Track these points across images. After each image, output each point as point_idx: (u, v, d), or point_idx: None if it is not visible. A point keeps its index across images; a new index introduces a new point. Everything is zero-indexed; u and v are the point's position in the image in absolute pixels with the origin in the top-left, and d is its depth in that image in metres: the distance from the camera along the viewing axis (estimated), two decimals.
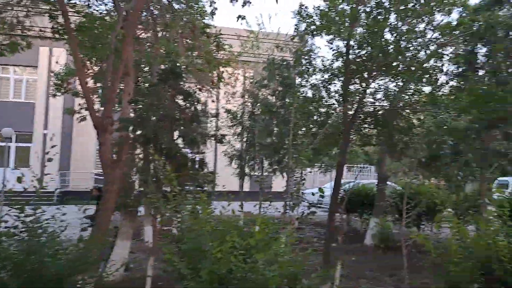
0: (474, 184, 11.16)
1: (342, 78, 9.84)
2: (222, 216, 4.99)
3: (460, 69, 11.01)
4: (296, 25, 9.70)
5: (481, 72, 11.20)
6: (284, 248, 4.43)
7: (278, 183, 13.87)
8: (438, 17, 9.64)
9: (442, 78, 10.53)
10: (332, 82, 10.16)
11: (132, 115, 7.97)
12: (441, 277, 6.01)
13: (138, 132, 7.35)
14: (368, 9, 9.34)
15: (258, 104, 11.70)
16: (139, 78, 9.45)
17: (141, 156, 7.51)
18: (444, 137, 8.96)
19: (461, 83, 10.70)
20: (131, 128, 7.23)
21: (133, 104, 7.84)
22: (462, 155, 9.10)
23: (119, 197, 6.73)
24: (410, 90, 10.26)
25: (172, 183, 4.62)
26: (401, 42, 9.54)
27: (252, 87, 12.74)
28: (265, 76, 11.47)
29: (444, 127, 9.07)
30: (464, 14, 10.37)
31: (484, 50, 11.38)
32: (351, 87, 9.95)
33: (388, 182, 12.25)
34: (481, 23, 10.53)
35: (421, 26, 9.77)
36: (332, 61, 9.96)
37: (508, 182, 15.13)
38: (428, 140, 8.71)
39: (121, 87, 8.02)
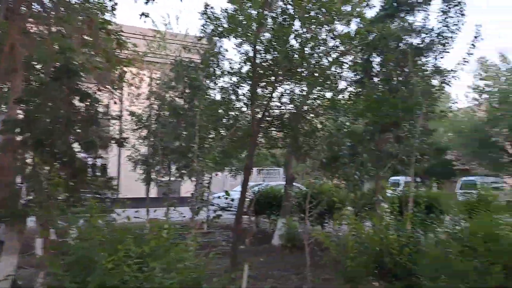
0: (371, 183, 12.01)
1: (250, 82, 9.95)
2: (121, 223, 4.69)
3: (358, 76, 11.76)
4: (203, 26, 9.60)
5: (376, 80, 12.08)
6: (185, 253, 4.27)
7: (188, 188, 13.64)
8: (339, 27, 10.18)
9: (342, 84, 11.16)
10: (241, 85, 10.22)
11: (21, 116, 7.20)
12: (341, 273, 6.31)
13: (28, 135, 6.65)
14: (274, 15, 9.56)
15: (165, 107, 11.36)
16: (30, 76, 8.58)
17: (30, 160, 6.79)
18: (343, 140, 9.50)
19: (358, 89, 11.43)
20: (18, 130, 6.51)
21: (22, 104, 7.09)
22: (359, 156, 9.73)
23: (3, 206, 6.00)
24: (313, 95, 10.71)
25: (60, 190, 4.21)
26: (305, 49, 9.90)
27: (159, 89, 12.34)
28: (173, 78, 11.18)
29: (344, 130, 9.62)
30: (361, 26, 11.08)
31: (378, 59, 12.30)
32: (259, 90, 10.11)
33: (294, 183, 12.69)
34: (376, 34, 11.37)
35: (324, 34, 10.22)
36: (240, 64, 10.03)
37: (399, 181, 16.58)
38: (329, 142, 9.17)
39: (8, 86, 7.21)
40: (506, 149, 25.27)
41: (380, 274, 6.03)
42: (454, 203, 10.29)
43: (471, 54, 10.42)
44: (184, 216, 7.22)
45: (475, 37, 10.62)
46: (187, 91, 10.72)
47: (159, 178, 12.11)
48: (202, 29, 9.69)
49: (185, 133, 10.77)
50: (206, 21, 9.49)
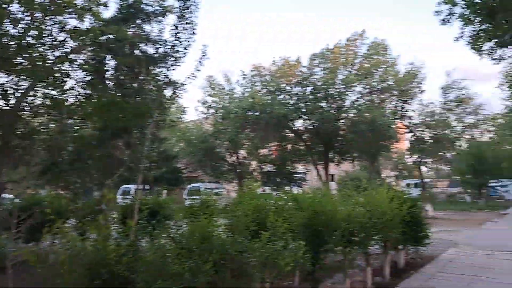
0: (100, 191, 11.38)
1: None
2: None
3: (89, 77, 11.03)
4: None
5: (108, 83, 11.63)
6: None
7: None
8: (73, 22, 9.45)
9: (70, 83, 10.27)
10: None
11: None
12: None
13: None
14: None
15: None
16: None
17: None
18: (66, 144, 8.63)
19: (88, 90, 10.74)
20: None
21: None
22: (84, 162, 9.06)
23: None
24: (33, 91, 9.42)
25: None
26: (26, 37, 8.70)
27: None
28: None
29: (68, 133, 8.76)
30: (96, 25, 10.53)
31: (112, 62, 11.92)
32: None
33: (4, 194, 10.68)
34: (111, 36, 11.00)
35: (51, 25, 9.30)
36: None
37: (130, 189, 16.50)
38: (49, 146, 8.13)
39: None
40: (226, 159, 29.27)
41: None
42: (179, 208, 10.80)
43: (199, 70, 11.33)
44: None
45: (202, 55, 11.64)
46: None
47: None
48: None
49: None
50: None
